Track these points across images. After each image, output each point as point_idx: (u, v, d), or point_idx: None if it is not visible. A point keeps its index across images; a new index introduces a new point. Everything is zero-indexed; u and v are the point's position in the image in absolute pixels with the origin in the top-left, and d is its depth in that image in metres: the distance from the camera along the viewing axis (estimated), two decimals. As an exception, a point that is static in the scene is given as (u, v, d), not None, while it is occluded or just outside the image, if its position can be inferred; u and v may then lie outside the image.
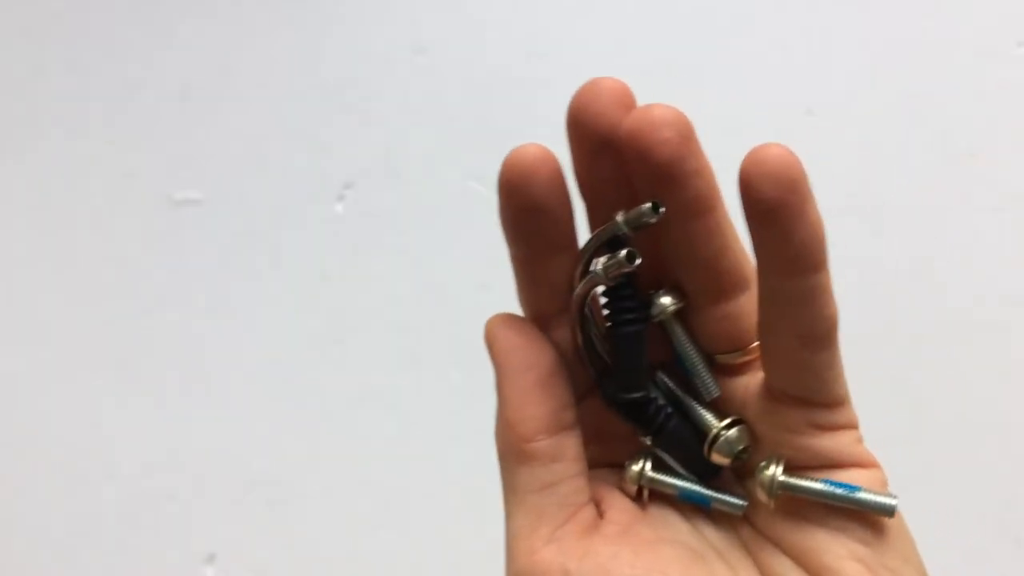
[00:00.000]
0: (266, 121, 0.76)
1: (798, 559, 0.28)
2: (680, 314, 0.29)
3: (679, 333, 0.29)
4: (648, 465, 0.30)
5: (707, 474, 0.30)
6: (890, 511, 0.28)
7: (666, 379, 0.30)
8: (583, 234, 0.29)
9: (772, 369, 0.28)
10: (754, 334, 0.29)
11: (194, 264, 0.75)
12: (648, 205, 0.26)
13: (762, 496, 0.28)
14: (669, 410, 0.30)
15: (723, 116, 0.74)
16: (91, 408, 0.74)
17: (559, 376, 0.29)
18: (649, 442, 0.30)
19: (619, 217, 0.27)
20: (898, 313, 0.71)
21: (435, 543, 0.71)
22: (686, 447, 0.30)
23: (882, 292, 0.72)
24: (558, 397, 0.29)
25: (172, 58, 0.77)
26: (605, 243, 0.27)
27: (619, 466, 0.31)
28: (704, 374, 0.29)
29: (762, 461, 0.29)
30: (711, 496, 0.30)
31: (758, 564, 0.29)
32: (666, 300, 0.29)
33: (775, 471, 0.28)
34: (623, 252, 0.26)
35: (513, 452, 0.29)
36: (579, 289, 0.28)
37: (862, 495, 0.28)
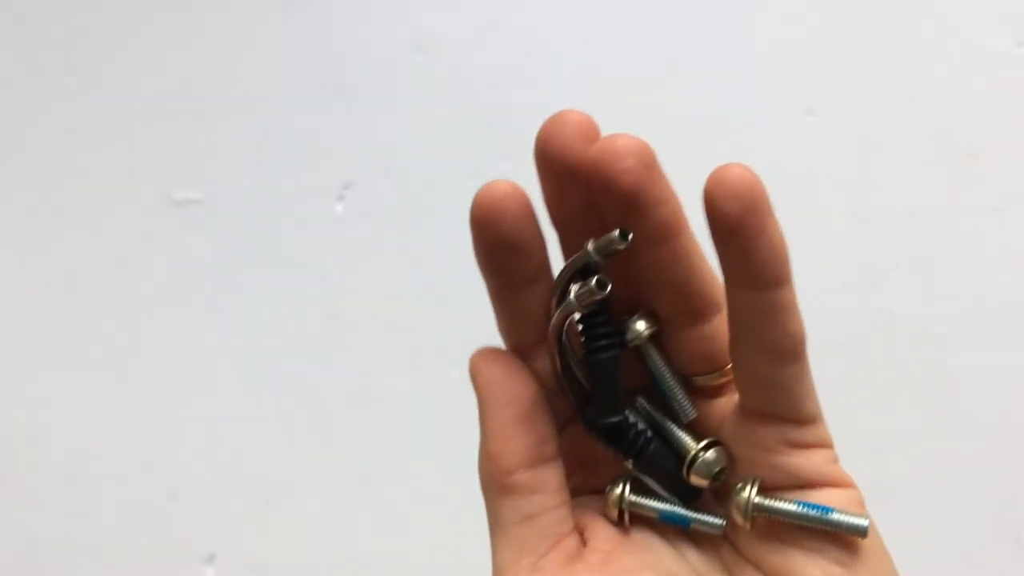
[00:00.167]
0: (266, 121, 0.76)
1: None
2: (655, 338, 0.30)
3: (655, 357, 0.30)
4: (627, 488, 0.30)
5: (688, 496, 0.30)
6: (862, 532, 0.28)
7: (646, 404, 0.31)
8: (557, 264, 0.30)
9: (743, 386, 0.29)
10: (728, 355, 0.29)
11: (194, 264, 0.75)
12: (616, 233, 0.27)
13: (738, 518, 0.29)
14: (649, 434, 0.30)
15: (723, 116, 0.74)
16: (91, 408, 0.74)
17: (540, 410, 0.30)
18: (630, 466, 0.31)
19: (589, 246, 0.28)
20: (898, 313, 0.71)
21: (435, 543, 0.71)
22: (666, 470, 0.30)
23: (881, 292, 0.72)
24: (539, 431, 0.29)
25: (172, 58, 0.77)
26: (578, 271, 0.28)
27: (603, 492, 0.31)
28: (680, 396, 0.30)
29: (738, 483, 0.29)
30: (690, 517, 0.30)
31: None
32: (640, 325, 0.29)
33: (750, 493, 0.29)
34: (593, 280, 0.27)
35: (495, 485, 0.29)
36: (554, 319, 0.29)
37: (834, 516, 0.28)
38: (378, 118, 0.76)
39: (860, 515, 0.28)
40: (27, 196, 0.76)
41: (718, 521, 0.30)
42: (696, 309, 0.29)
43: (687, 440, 0.30)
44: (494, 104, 0.75)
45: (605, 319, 0.29)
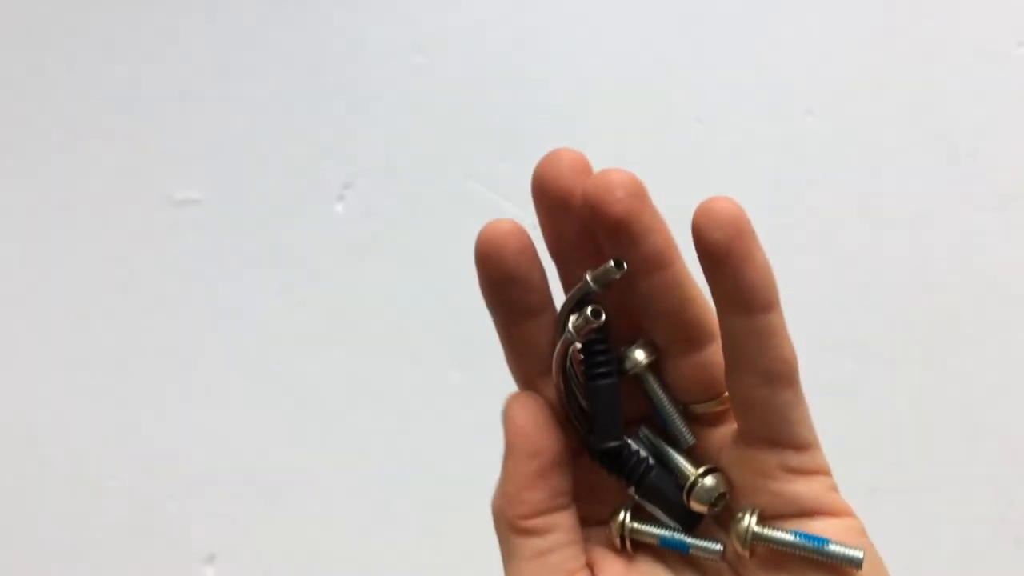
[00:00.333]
0: (266, 121, 0.76)
1: None
2: (654, 367, 0.31)
3: (653, 385, 0.31)
4: (629, 516, 0.31)
5: (689, 522, 0.31)
6: (857, 563, 0.29)
7: (648, 432, 0.32)
8: (559, 297, 0.31)
9: (740, 412, 0.30)
10: (724, 382, 0.30)
11: (194, 264, 0.75)
12: (612, 263, 0.28)
13: (738, 547, 0.30)
14: (650, 462, 0.31)
15: (723, 116, 0.74)
16: (91, 408, 0.74)
17: (561, 464, 0.31)
18: (633, 493, 0.31)
19: (588, 276, 0.29)
20: (898, 313, 0.71)
21: (435, 543, 0.71)
22: (667, 496, 0.31)
23: (882, 292, 0.72)
24: (556, 485, 0.31)
25: (172, 58, 0.77)
26: (578, 302, 0.30)
27: (607, 522, 0.32)
28: (679, 423, 0.31)
29: (739, 512, 0.30)
30: (689, 542, 0.31)
31: None
32: (639, 354, 0.31)
33: (749, 522, 0.29)
34: (588, 310, 0.29)
35: (508, 526, 0.31)
36: (556, 350, 0.30)
37: (831, 547, 0.29)
38: (378, 118, 0.76)
39: (855, 547, 0.29)
40: (27, 196, 0.76)
41: (715, 547, 0.31)
42: (691, 337, 0.30)
43: (686, 466, 0.31)
44: (494, 104, 0.75)
45: (604, 347, 0.30)
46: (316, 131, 0.76)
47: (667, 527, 0.31)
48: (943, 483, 0.70)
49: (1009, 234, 0.72)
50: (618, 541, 0.31)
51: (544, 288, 0.31)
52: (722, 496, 0.30)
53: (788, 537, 0.29)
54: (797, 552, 0.29)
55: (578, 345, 0.30)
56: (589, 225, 0.29)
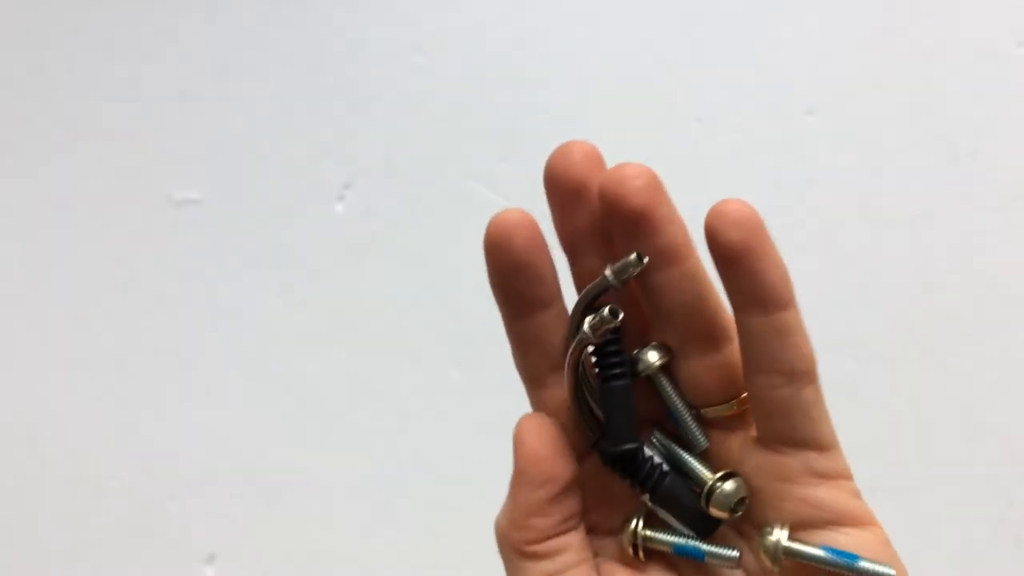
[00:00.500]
0: (266, 121, 0.76)
1: None
2: (667, 369, 0.30)
3: (666, 387, 0.30)
4: (641, 523, 0.30)
5: (705, 529, 0.31)
6: None
7: (662, 437, 0.31)
8: (569, 294, 0.30)
9: (761, 414, 0.30)
10: (742, 385, 0.30)
11: (194, 264, 0.75)
12: (632, 256, 0.28)
13: (766, 562, 0.29)
14: (664, 468, 0.31)
15: (723, 116, 0.74)
16: (91, 408, 0.74)
17: (571, 491, 0.30)
18: (647, 500, 0.31)
19: (607, 271, 0.29)
20: (898, 313, 0.71)
21: (435, 543, 0.71)
22: (682, 503, 0.30)
23: (882, 292, 0.72)
24: (565, 511, 0.30)
25: (172, 58, 0.77)
26: (595, 298, 0.29)
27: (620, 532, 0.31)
28: (692, 426, 0.30)
29: (766, 525, 0.29)
30: (704, 549, 0.30)
31: None
32: (652, 355, 0.30)
33: (779, 537, 0.29)
34: (606, 309, 0.28)
35: (514, 551, 0.30)
36: (570, 350, 0.29)
37: (862, 564, 0.28)
38: (378, 118, 0.76)
39: (886, 564, 0.28)
40: (27, 196, 0.76)
41: (732, 553, 0.30)
42: (707, 335, 0.30)
43: (703, 471, 0.30)
44: (494, 104, 0.75)
45: (617, 348, 0.29)
46: (316, 131, 0.76)
47: (679, 534, 0.30)
48: (943, 483, 0.70)
49: (1009, 234, 0.72)
50: (630, 549, 0.30)
51: (553, 280, 0.30)
52: (742, 501, 0.30)
53: (818, 553, 0.29)
54: (826, 568, 0.29)
55: (591, 347, 0.29)
56: (604, 220, 0.29)
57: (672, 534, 0.31)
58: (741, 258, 0.27)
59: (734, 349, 0.30)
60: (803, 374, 0.29)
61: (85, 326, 0.74)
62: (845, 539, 0.29)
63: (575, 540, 0.30)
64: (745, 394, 0.30)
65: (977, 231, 0.72)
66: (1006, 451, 0.70)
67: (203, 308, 0.74)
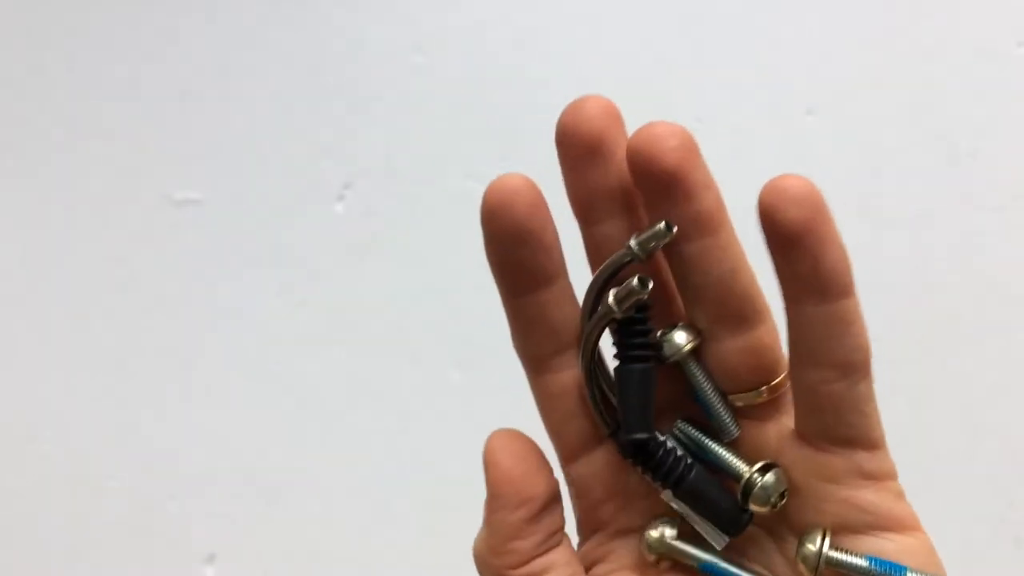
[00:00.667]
0: (266, 121, 0.76)
1: None
2: (696, 353, 0.28)
3: (696, 372, 0.28)
4: (668, 532, 0.28)
5: (734, 528, 0.28)
6: None
7: (685, 426, 0.29)
8: (574, 267, 0.28)
9: (808, 409, 0.27)
10: (775, 370, 0.27)
11: (194, 264, 0.75)
12: (662, 224, 0.25)
13: (804, 570, 0.27)
14: (689, 460, 0.28)
15: (723, 116, 0.74)
16: (91, 408, 0.74)
17: (551, 507, 0.28)
18: (668, 496, 0.28)
19: (632, 242, 0.26)
20: (898, 313, 0.71)
21: (435, 543, 0.71)
22: (710, 497, 0.28)
23: (882, 292, 0.72)
24: (546, 529, 0.28)
25: (172, 58, 0.77)
26: (616, 270, 0.26)
27: (632, 531, 0.29)
28: (723, 413, 0.28)
29: (805, 532, 0.27)
30: (733, 573, 0.28)
31: None
32: (681, 337, 0.27)
33: (820, 546, 0.27)
34: (635, 279, 0.25)
35: (495, 574, 0.28)
36: (590, 325, 0.26)
37: None
38: (378, 118, 0.76)
39: (935, 575, 0.27)
40: (27, 196, 0.76)
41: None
42: (740, 315, 0.27)
43: (737, 463, 0.28)
44: (494, 104, 0.75)
45: (642, 328, 0.26)
46: (316, 131, 0.76)
47: (706, 545, 0.28)
48: (943, 483, 0.70)
49: (1009, 234, 0.71)
50: (653, 559, 0.28)
51: (557, 251, 0.27)
52: (783, 495, 0.27)
53: (863, 563, 0.26)
54: None
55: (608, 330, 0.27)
56: (632, 182, 0.26)
57: (700, 548, 0.28)
58: (801, 240, 0.25)
59: (768, 329, 0.27)
60: (859, 368, 0.26)
61: (85, 326, 0.74)
62: (890, 546, 0.27)
63: (560, 556, 0.28)
64: (776, 380, 0.27)
65: (977, 231, 0.72)
66: (1006, 451, 0.70)
67: (203, 308, 0.74)
